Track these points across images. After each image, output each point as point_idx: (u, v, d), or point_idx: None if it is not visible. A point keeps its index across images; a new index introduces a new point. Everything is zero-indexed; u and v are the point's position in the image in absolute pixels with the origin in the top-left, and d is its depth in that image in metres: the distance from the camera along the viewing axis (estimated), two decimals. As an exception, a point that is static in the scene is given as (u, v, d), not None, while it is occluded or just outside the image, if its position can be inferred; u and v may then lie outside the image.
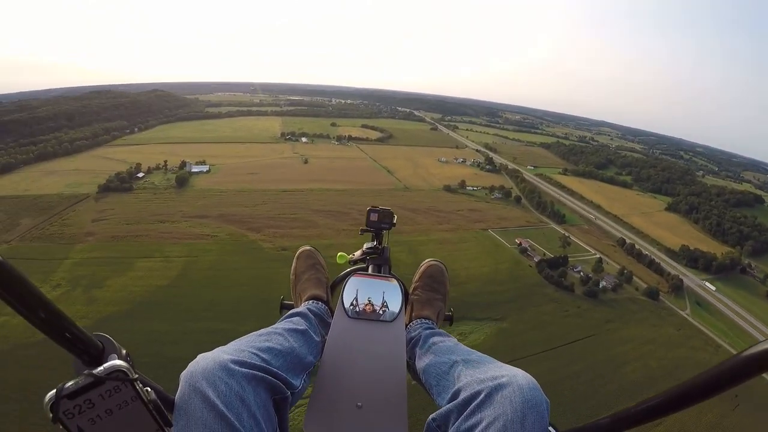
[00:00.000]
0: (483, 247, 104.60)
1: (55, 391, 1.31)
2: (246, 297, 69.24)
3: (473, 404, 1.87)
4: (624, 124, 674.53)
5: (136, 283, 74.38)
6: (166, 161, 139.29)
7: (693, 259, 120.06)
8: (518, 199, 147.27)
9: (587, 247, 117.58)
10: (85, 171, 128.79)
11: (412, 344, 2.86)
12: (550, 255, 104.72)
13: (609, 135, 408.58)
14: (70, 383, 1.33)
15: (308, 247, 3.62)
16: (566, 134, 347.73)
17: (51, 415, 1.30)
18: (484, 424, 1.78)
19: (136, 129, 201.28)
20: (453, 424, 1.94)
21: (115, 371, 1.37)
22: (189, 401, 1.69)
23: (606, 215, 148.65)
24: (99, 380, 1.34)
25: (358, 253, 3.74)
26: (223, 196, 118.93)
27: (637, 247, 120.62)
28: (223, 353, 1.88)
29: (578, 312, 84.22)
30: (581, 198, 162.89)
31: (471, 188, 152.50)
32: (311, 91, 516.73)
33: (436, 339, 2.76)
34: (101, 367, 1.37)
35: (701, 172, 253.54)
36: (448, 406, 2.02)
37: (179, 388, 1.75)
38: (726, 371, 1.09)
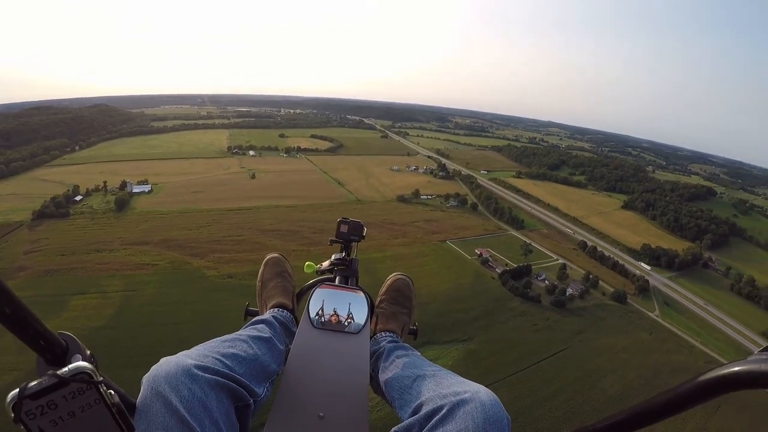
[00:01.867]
0: (442, 261, 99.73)
1: (17, 390, 1.26)
2: (189, 336, 61.41)
3: (435, 419, 1.88)
4: (571, 124, 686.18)
5: (70, 325, 64.92)
6: (105, 182, 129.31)
7: (655, 258, 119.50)
8: (475, 206, 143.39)
9: (549, 253, 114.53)
10: (21, 195, 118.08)
11: (376, 357, 2.84)
12: (512, 264, 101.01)
13: (558, 135, 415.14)
14: (33, 383, 1.28)
15: (276, 255, 3.52)
16: (516, 136, 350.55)
17: (12, 415, 1.26)
18: None
19: (77, 147, 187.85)
20: None
21: (80, 373, 1.32)
22: (151, 405, 1.69)
23: (564, 217, 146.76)
24: (63, 381, 1.29)
25: (326, 264, 3.63)
26: (165, 218, 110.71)
27: (599, 249, 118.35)
28: (186, 358, 1.89)
29: (547, 325, 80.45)
30: (538, 201, 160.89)
31: (425, 197, 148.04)
32: (260, 102, 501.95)
33: (400, 353, 2.76)
34: (66, 368, 1.32)
35: (650, 167, 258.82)
36: (410, 419, 2.02)
37: (141, 391, 1.75)
38: (685, 393, 1.16)
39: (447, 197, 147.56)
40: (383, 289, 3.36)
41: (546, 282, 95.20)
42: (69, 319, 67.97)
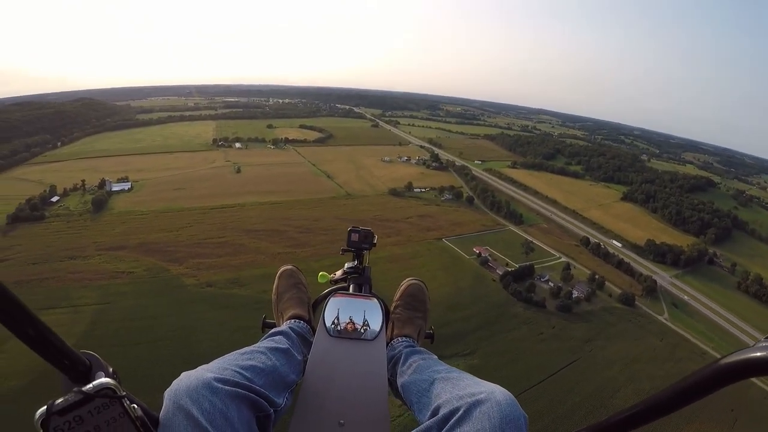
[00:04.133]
0: (439, 262, 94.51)
1: (45, 407, 1.35)
2: (165, 356, 57.06)
3: (452, 420, 1.93)
4: (562, 111, 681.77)
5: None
6: (83, 180, 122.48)
7: (660, 254, 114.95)
8: (470, 200, 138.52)
9: (551, 251, 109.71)
10: None
11: (394, 362, 2.91)
12: (513, 264, 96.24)
13: (550, 123, 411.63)
14: (60, 400, 1.37)
15: (290, 266, 3.64)
16: (509, 124, 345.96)
17: (41, 431, 1.33)
18: None
19: (59, 143, 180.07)
20: None
21: (104, 388, 1.42)
22: (173, 418, 1.74)
23: (563, 210, 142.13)
24: (88, 397, 1.38)
25: (339, 273, 3.77)
26: (144, 219, 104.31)
27: (603, 245, 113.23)
28: (206, 371, 1.95)
29: (554, 333, 75.70)
30: (535, 193, 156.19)
31: (419, 190, 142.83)
32: (248, 92, 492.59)
33: (416, 357, 2.82)
34: (90, 385, 1.42)
35: (645, 156, 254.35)
36: (428, 422, 2.06)
37: (163, 405, 1.80)
38: (703, 380, 1.17)
39: (441, 190, 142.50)
40: (398, 295, 3.41)
41: (550, 284, 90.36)
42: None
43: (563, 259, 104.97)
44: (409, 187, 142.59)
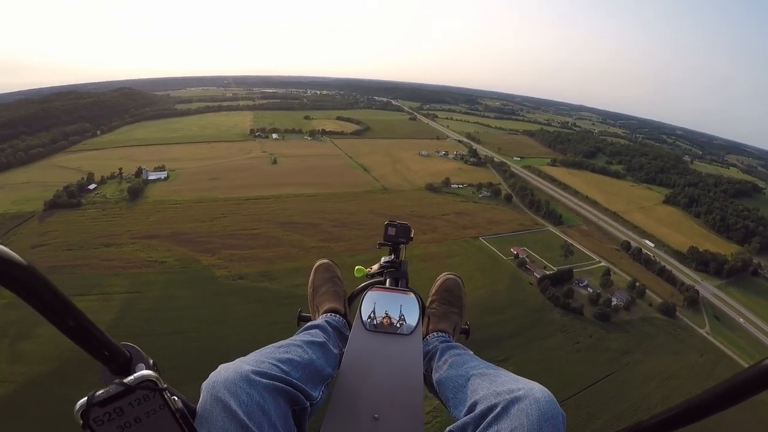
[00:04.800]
0: (476, 262, 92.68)
1: (86, 398, 1.36)
2: (192, 349, 57.13)
3: (489, 417, 1.94)
4: (602, 108, 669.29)
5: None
6: (120, 169, 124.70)
7: (703, 263, 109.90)
8: (509, 198, 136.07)
9: (591, 254, 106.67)
10: (37, 184, 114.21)
11: (429, 357, 2.92)
12: (551, 267, 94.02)
13: (590, 119, 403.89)
14: (101, 391, 1.39)
15: (326, 260, 3.65)
16: (548, 120, 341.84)
17: (81, 422, 1.35)
18: None
19: (98, 132, 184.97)
20: None
21: (145, 380, 1.43)
22: (211, 410, 1.77)
23: (604, 212, 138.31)
24: (129, 389, 1.40)
25: (375, 267, 3.77)
26: (178, 208, 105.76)
27: (644, 251, 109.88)
28: (244, 364, 1.99)
29: (591, 343, 73.29)
30: (575, 193, 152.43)
31: (456, 186, 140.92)
32: (286, 83, 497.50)
33: (452, 352, 2.83)
34: (132, 377, 1.43)
35: (687, 157, 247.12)
36: (464, 418, 2.08)
37: (201, 397, 1.84)
38: (747, 381, 1.14)
39: (479, 187, 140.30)
40: (433, 290, 3.40)
41: (589, 289, 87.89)
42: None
43: (603, 263, 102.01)
44: (447, 182, 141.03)
